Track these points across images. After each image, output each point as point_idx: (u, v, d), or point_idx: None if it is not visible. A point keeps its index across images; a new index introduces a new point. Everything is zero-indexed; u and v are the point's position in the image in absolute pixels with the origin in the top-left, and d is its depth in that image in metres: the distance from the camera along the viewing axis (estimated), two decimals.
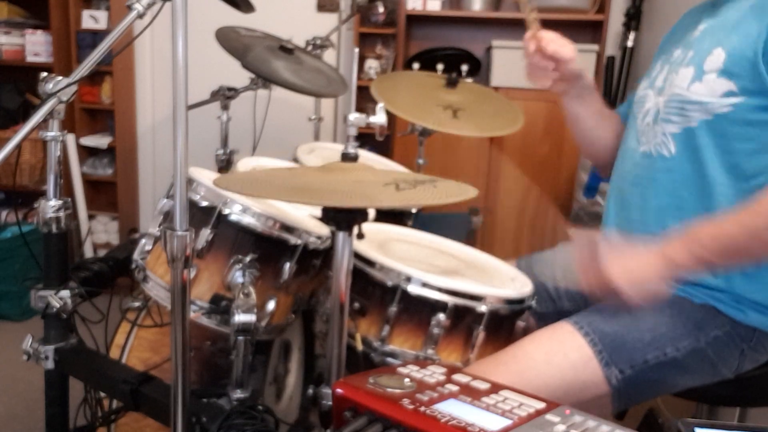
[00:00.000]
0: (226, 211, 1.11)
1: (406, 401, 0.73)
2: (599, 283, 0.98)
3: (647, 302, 0.97)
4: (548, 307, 1.30)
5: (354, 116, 0.98)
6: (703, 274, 1.02)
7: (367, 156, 1.92)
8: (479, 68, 2.89)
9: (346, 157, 1.00)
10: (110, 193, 3.16)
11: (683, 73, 1.06)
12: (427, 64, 2.77)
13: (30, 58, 2.95)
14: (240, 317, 1.02)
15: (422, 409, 0.71)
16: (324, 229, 1.21)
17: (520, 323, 1.12)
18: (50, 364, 1.17)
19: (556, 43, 1.18)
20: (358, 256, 1.12)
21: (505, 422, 0.69)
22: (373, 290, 1.11)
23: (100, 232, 3.17)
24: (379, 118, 1.00)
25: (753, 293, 1.03)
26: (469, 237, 2.19)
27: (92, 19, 2.92)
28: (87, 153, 3.12)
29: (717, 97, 1.00)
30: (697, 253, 0.93)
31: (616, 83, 2.72)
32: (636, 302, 0.97)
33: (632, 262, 0.97)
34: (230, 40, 1.71)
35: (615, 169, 1.24)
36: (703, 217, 0.98)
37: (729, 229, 0.93)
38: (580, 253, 1.01)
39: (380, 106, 1.01)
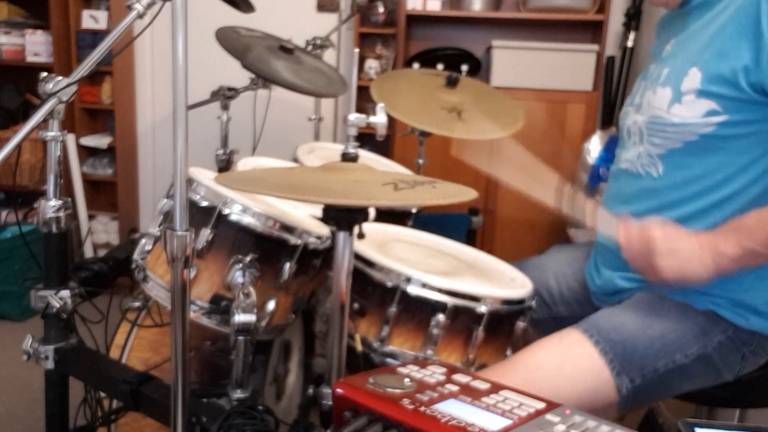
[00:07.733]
0: (226, 211, 1.11)
1: (406, 401, 0.73)
2: (648, 269, 0.97)
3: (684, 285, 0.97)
4: (544, 313, 1.30)
5: (354, 116, 0.98)
6: (747, 269, 0.98)
7: (367, 156, 1.92)
8: (479, 68, 2.88)
9: (346, 157, 1.00)
10: (110, 193, 3.16)
11: (661, 94, 1.05)
12: (427, 64, 2.77)
13: (30, 58, 2.95)
14: (240, 317, 1.02)
15: (422, 409, 0.71)
16: (324, 229, 1.21)
17: (520, 324, 1.12)
18: (50, 364, 1.17)
19: None
20: (357, 256, 1.12)
21: (505, 422, 0.69)
22: (373, 291, 1.10)
23: (100, 232, 3.17)
24: (380, 118, 1.00)
25: (752, 299, 1.03)
26: (469, 237, 2.19)
27: (92, 19, 2.92)
28: (87, 153, 3.12)
29: (699, 118, 0.99)
30: (746, 244, 0.92)
31: (616, 83, 2.72)
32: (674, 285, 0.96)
33: (683, 255, 0.94)
34: (230, 40, 1.71)
35: (607, 184, 1.24)
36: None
37: None
38: (628, 239, 0.99)
39: (380, 105, 1.01)
